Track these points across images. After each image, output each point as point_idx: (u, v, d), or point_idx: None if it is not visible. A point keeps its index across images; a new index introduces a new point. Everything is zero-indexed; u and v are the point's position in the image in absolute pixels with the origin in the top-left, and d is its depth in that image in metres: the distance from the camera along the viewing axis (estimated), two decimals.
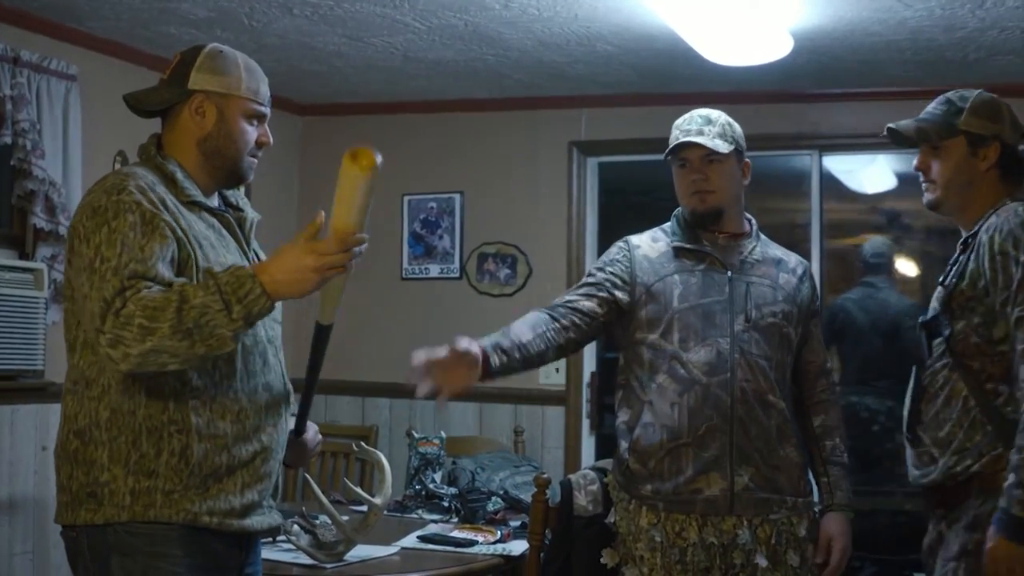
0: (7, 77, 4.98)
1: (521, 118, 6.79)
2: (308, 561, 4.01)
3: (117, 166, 5.52)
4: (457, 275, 6.87)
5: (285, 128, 6.98)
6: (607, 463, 3.93)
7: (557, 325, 3.54)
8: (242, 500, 2.87)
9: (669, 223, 3.77)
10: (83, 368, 2.83)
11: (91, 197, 2.81)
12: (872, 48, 5.41)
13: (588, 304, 3.60)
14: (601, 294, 3.62)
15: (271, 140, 3.08)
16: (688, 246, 3.66)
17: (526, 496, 4.76)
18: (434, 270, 6.91)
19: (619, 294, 3.63)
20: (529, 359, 3.47)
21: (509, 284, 6.75)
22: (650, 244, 3.73)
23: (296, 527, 4.07)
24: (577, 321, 3.57)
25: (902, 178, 7.86)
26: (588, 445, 6.71)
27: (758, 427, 3.51)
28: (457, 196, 6.88)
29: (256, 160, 3.07)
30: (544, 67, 5.96)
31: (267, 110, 3.07)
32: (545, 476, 4.03)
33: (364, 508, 4.06)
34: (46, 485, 5.22)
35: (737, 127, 3.70)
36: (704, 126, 3.63)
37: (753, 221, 3.79)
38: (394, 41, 5.54)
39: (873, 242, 7.35)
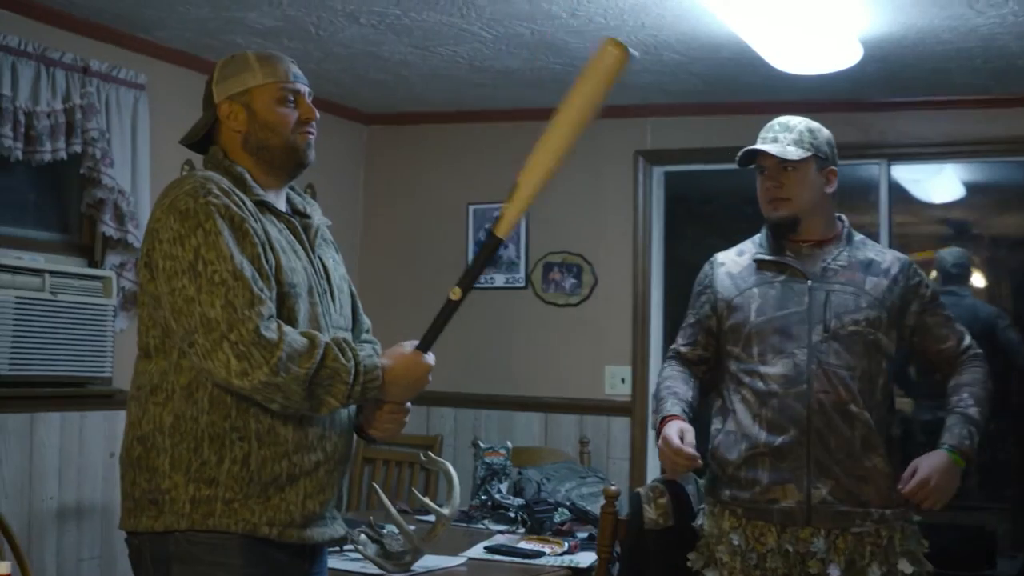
0: (77, 86, 5.03)
1: (586, 127, 6.74)
2: (375, 571, 4.00)
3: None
4: (522, 284, 6.86)
5: (350, 137, 7.01)
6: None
7: (695, 382, 3.78)
8: (303, 511, 2.85)
9: (759, 233, 3.77)
10: (152, 373, 2.81)
11: (172, 199, 2.77)
12: (942, 56, 5.34)
13: (698, 352, 3.81)
14: (700, 338, 3.80)
15: (316, 114, 3.02)
16: (768, 257, 3.66)
17: (593, 507, 4.74)
18: (499, 280, 6.89)
19: (711, 324, 3.75)
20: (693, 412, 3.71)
21: (575, 294, 6.73)
22: (734, 259, 3.76)
23: (363, 536, 4.06)
24: (700, 374, 3.81)
25: (970, 187, 7.78)
26: (653, 456, 6.66)
27: (838, 438, 3.47)
28: None
29: (310, 136, 3.00)
30: None
31: (298, 86, 3.00)
32: (614, 488, 4.01)
33: (430, 518, 4.04)
34: (114, 492, 5.24)
35: (822, 134, 3.66)
36: (780, 133, 3.63)
37: (845, 224, 3.73)
38: (460, 50, 5.54)
39: (952, 251, 7.29)
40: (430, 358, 2.95)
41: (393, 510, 3.85)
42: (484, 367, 6.84)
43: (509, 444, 5.53)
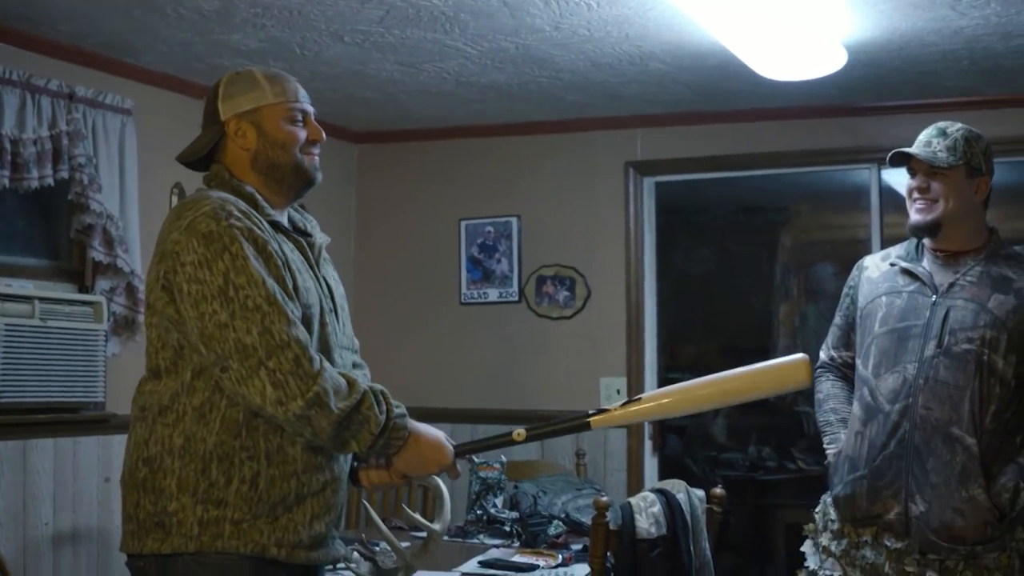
0: (63, 113, 5.03)
1: (576, 139, 6.77)
2: None
3: (174, 198, 5.55)
4: (516, 299, 6.86)
5: (341, 156, 7.01)
6: (669, 484, 3.90)
7: (850, 389, 3.81)
8: (311, 532, 2.85)
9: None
10: (162, 393, 2.80)
11: (190, 221, 2.74)
12: (928, 59, 5.34)
13: (851, 353, 3.82)
14: (849, 342, 3.84)
15: (323, 135, 3.04)
16: (905, 265, 3.66)
17: (588, 519, 4.73)
18: (493, 294, 6.89)
19: (853, 335, 3.80)
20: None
21: (568, 306, 6.73)
22: (877, 264, 3.78)
23: (356, 554, 4.05)
24: (851, 375, 3.83)
25: None
26: (651, 466, 6.66)
27: (936, 460, 3.44)
28: (514, 219, 6.86)
29: (316, 157, 3.02)
30: (597, 88, 5.94)
31: (305, 106, 3.02)
32: (605, 499, 4.00)
33: (425, 534, 4.04)
34: (109, 516, 5.25)
35: (979, 144, 3.64)
36: (935, 138, 3.64)
37: (994, 236, 3.67)
38: (446, 66, 5.54)
39: None
40: (457, 462, 3.06)
41: (383, 527, 3.84)
42: (479, 382, 6.84)
43: (503, 458, 5.51)
